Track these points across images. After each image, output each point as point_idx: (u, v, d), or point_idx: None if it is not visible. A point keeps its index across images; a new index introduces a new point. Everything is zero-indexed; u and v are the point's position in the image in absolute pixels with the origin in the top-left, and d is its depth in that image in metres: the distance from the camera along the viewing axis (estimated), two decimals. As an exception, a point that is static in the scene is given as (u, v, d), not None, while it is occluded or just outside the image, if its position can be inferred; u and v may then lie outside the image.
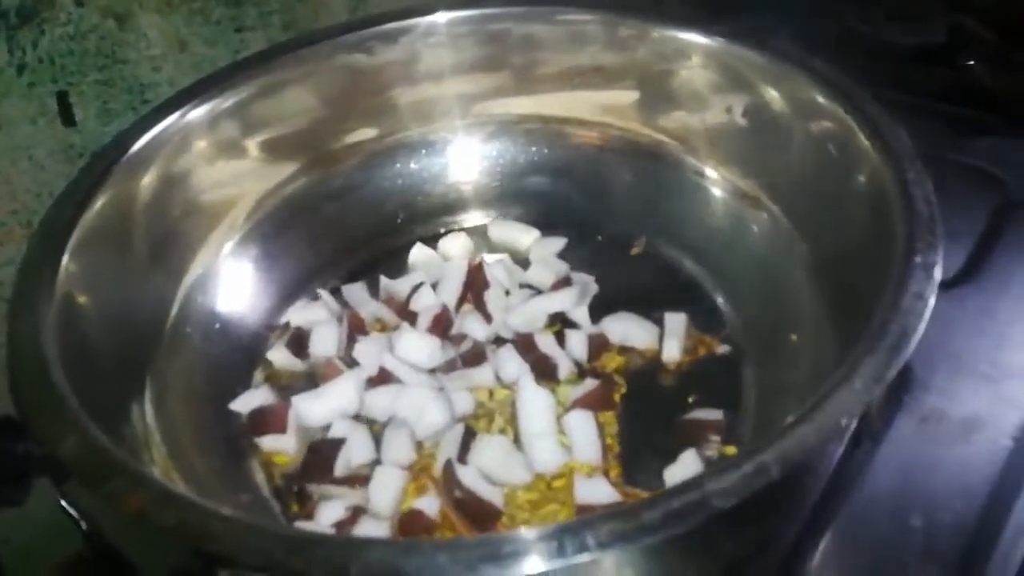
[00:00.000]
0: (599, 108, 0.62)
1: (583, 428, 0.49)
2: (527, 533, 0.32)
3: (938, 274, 0.40)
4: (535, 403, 0.50)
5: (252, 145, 0.58)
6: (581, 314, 0.56)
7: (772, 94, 0.53)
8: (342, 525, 0.46)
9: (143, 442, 0.46)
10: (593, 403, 0.51)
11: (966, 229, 0.62)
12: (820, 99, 0.50)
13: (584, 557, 0.31)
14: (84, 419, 0.38)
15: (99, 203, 0.49)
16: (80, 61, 0.68)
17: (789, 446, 0.34)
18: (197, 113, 0.55)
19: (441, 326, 0.56)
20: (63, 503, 0.46)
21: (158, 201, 0.53)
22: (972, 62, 0.74)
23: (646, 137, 0.61)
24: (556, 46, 0.60)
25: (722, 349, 0.55)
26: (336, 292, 0.60)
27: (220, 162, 0.57)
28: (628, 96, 0.61)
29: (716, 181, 0.59)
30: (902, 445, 0.50)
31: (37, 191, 0.68)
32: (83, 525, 0.47)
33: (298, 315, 0.58)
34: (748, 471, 0.33)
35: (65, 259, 0.45)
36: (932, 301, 0.39)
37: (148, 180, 0.52)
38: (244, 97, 0.57)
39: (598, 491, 0.46)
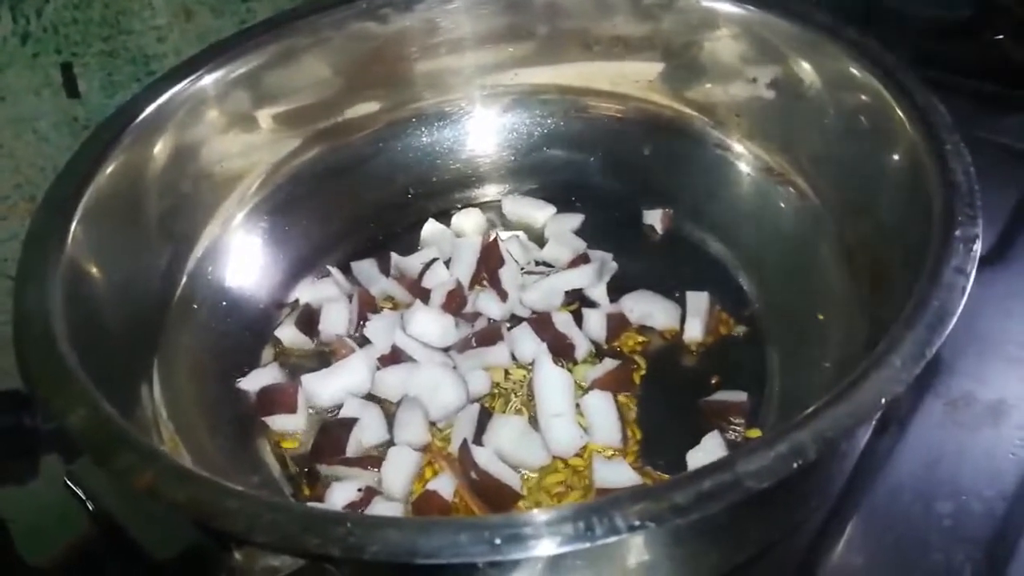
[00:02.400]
0: (621, 79, 0.60)
1: (602, 409, 0.48)
2: (553, 513, 0.30)
3: (978, 248, 0.38)
4: (553, 383, 0.49)
5: (263, 115, 0.57)
6: (599, 292, 0.55)
7: (803, 65, 0.51)
8: (354, 506, 0.45)
9: (151, 420, 0.45)
10: (612, 384, 0.49)
11: (994, 208, 0.60)
12: (853, 70, 0.48)
13: (613, 538, 0.30)
14: (93, 392, 0.36)
15: (107, 172, 0.48)
16: (84, 30, 0.66)
17: (826, 426, 0.32)
18: (207, 82, 0.53)
19: (455, 303, 0.54)
20: (68, 483, 0.45)
21: (167, 170, 0.51)
22: (1001, 36, 0.72)
23: (669, 109, 0.59)
24: (578, 14, 0.58)
25: (746, 329, 0.53)
26: (345, 268, 0.58)
27: (231, 132, 0.55)
28: (652, 67, 0.59)
29: (742, 155, 0.57)
30: (929, 429, 0.49)
31: (41, 164, 0.67)
32: (89, 505, 0.46)
33: (307, 292, 0.57)
34: (783, 451, 0.31)
35: (72, 229, 0.44)
36: (972, 276, 0.37)
37: (158, 149, 0.51)
38: (255, 66, 0.55)
39: (618, 473, 0.45)
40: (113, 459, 0.34)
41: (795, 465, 0.31)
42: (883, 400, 0.33)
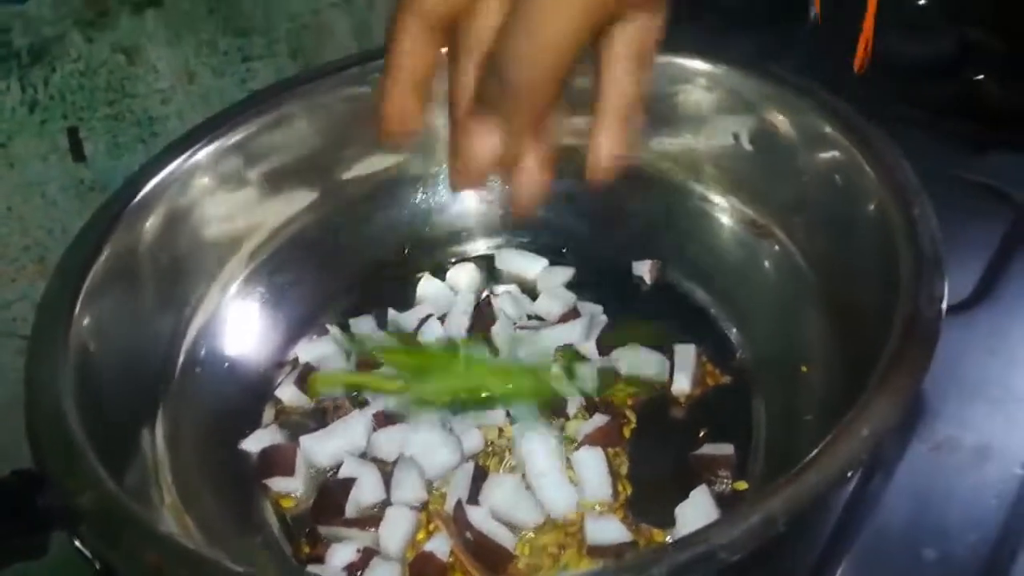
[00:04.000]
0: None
1: (592, 465, 0.49)
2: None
3: (942, 314, 0.40)
4: (534, 448, 0.49)
5: (257, 180, 0.58)
6: (589, 347, 0.56)
7: (779, 120, 0.53)
8: (353, 567, 0.46)
9: (154, 484, 0.46)
10: (602, 439, 0.51)
11: (977, 249, 0.62)
12: (826, 129, 0.50)
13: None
14: (101, 472, 0.38)
15: (111, 247, 0.49)
16: (90, 96, 0.69)
17: (795, 496, 0.34)
18: (204, 152, 0.55)
19: (449, 359, 0.56)
20: (77, 544, 0.47)
21: (165, 242, 0.53)
22: (981, 76, 0.73)
23: (652, 164, 0.61)
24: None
25: (733, 380, 0.55)
26: (344, 326, 0.60)
27: (226, 199, 0.57)
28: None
29: (724, 209, 0.58)
30: (915, 474, 0.50)
31: (49, 227, 0.69)
32: (97, 566, 0.47)
33: (306, 351, 0.58)
34: (755, 523, 0.33)
35: (78, 309, 0.46)
36: (937, 342, 0.38)
37: (156, 222, 0.52)
38: (251, 132, 0.57)
39: (609, 531, 0.46)
40: (120, 541, 0.36)
41: (767, 536, 0.33)
42: (849, 472, 0.34)
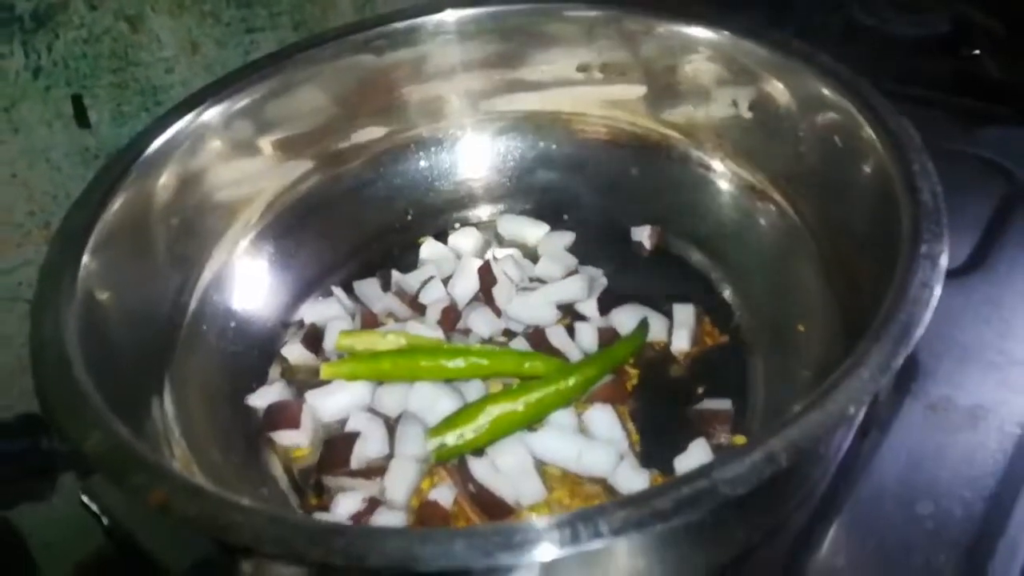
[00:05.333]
0: (607, 103, 0.63)
1: (605, 423, 0.50)
2: (541, 521, 0.32)
3: (944, 264, 0.40)
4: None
5: (265, 144, 0.59)
6: (590, 307, 0.57)
7: (778, 87, 0.53)
8: (359, 516, 0.47)
9: (163, 438, 0.47)
10: (610, 396, 0.51)
11: (972, 219, 0.63)
12: (826, 92, 0.50)
13: (597, 544, 0.32)
14: (107, 415, 0.38)
15: (117, 204, 0.50)
16: (94, 64, 0.69)
17: (797, 434, 0.34)
18: (211, 113, 0.56)
19: (449, 319, 0.57)
20: (84, 499, 0.47)
21: (174, 201, 0.53)
22: (977, 52, 0.74)
23: (653, 131, 0.62)
24: (564, 42, 0.61)
25: (730, 340, 0.55)
26: (349, 288, 0.61)
27: (234, 161, 0.57)
28: (635, 91, 0.61)
29: (723, 174, 0.59)
30: (910, 433, 0.51)
31: (54, 193, 0.69)
32: (104, 521, 0.48)
33: (312, 311, 0.59)
34: (757, 459, 0.33)
35: (85, 260, 0.46)
36: (938, 290, 0.39)
37: (164, 180, 0.53)
38: (257, 97, 0.58)
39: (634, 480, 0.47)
40: (127, 478, 0.36)
41: (769, 472, 0.33)
42: (851, 410, 0.35)
